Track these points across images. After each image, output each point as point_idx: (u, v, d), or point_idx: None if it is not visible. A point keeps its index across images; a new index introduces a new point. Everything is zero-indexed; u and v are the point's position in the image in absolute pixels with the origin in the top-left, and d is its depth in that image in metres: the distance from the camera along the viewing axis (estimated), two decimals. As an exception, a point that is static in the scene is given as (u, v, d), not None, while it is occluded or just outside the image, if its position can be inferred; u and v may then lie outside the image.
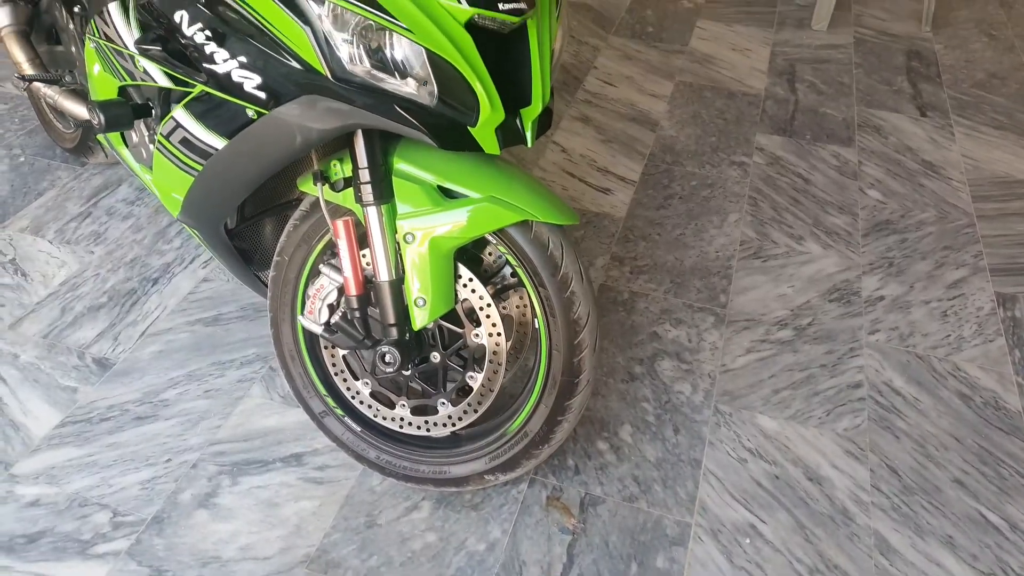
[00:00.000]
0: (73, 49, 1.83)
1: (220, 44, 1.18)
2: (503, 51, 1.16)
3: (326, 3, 1.08)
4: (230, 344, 1.81)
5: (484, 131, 1.15)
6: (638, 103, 2.77)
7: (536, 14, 1.18)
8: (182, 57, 1.28)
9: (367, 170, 1.25)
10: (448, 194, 1.28)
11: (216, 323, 1.86)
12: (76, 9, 1.80)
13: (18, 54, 1.91)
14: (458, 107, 1.13)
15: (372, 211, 1.27)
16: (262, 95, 1.18)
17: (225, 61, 1.19)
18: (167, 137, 1.37)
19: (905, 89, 2.95)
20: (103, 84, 1.55)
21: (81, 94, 1.91)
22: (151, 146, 1.53)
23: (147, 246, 2.08)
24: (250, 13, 1.12)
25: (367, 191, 1.26)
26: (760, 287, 2.06)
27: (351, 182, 1.32)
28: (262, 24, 1.12)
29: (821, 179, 2.46)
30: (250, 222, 1.55)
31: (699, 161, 2.50)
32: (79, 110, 1.88)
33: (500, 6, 1.10)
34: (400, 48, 1.10)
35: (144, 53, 1.32)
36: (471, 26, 1.11)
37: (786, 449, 1.66)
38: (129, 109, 1.41)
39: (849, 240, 2.22)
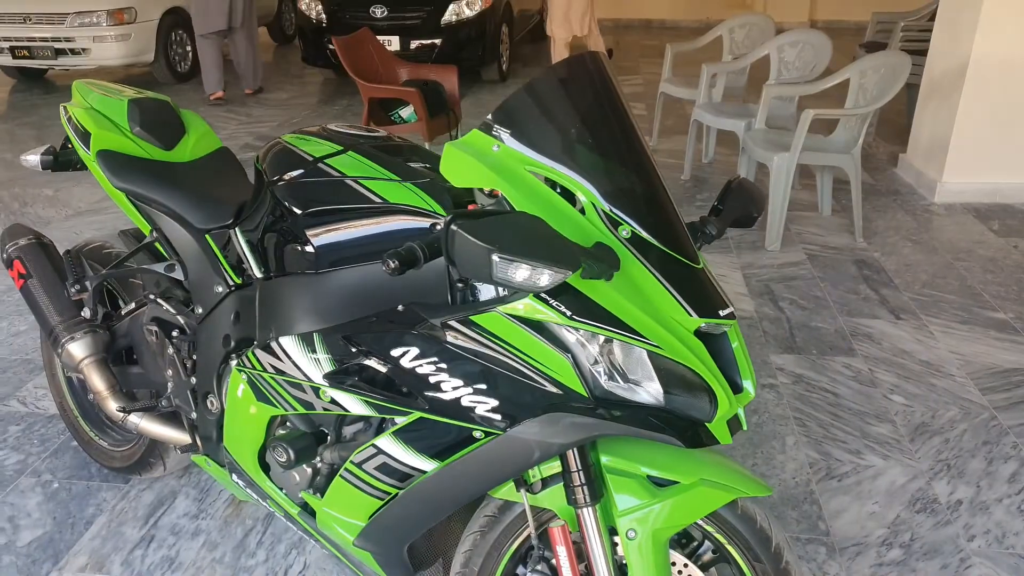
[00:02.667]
0: (169, 371, 1.78)
1: (451, 374, 1.21)
2: (712, 349, 1.26)
3: (579, 330, 1.16)
4: (366, 668, 1.65)
5: (719, 424, 1.21)
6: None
7: (733, 313, 1.30)
8: (385, 385, 1.30)
9: (580, 472, 1.26)
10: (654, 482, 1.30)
11: (341, 645, 1.71)
12: (175, 334, 1.78)
13: (99, 384, 1.84)
14: (696, 407, 1.20)
15: (588, 512, 1.27)
16: (497, 417, 1.20)
17: (455, 389, 1.21)
18: (360, 464, 1.34)
19: (871, 296, 3.31)
20: (246, 413, 1.52)
21: (175, 417, 1.84)
22: (307, 471, 1.48)
23: (230, 564, 1.92)
24: (499, 345, 1.17)
25: (582, 493, 1.26)
26: (849, 508, 2.13)
27: (548, 483, 1.33)
28: (513, 354, 1.17)
29: (846, 391, 2.65)
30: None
31: (736, 389, 2.64)
32: (173, 434, 1.81)
33: (720, 313, 1.21)
34: (644, 361, 1.18)
35: (339, 384, 1.33)
36: (696, 332, 1.20)
37: None
38: (313, 440, 1.38)
39: (900, 447, 2.37)
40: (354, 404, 1.33)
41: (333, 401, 1.36)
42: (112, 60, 7.20)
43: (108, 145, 1.83)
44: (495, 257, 0.94)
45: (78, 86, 2.03)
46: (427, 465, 1.30)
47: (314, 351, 1.37)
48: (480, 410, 1.21)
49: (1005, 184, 4.33)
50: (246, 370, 1.48)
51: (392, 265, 1.06)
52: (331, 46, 7.23)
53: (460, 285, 1.25)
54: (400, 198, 1.35)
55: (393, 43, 7.15)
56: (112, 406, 1.82)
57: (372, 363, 1.30)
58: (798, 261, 3.65)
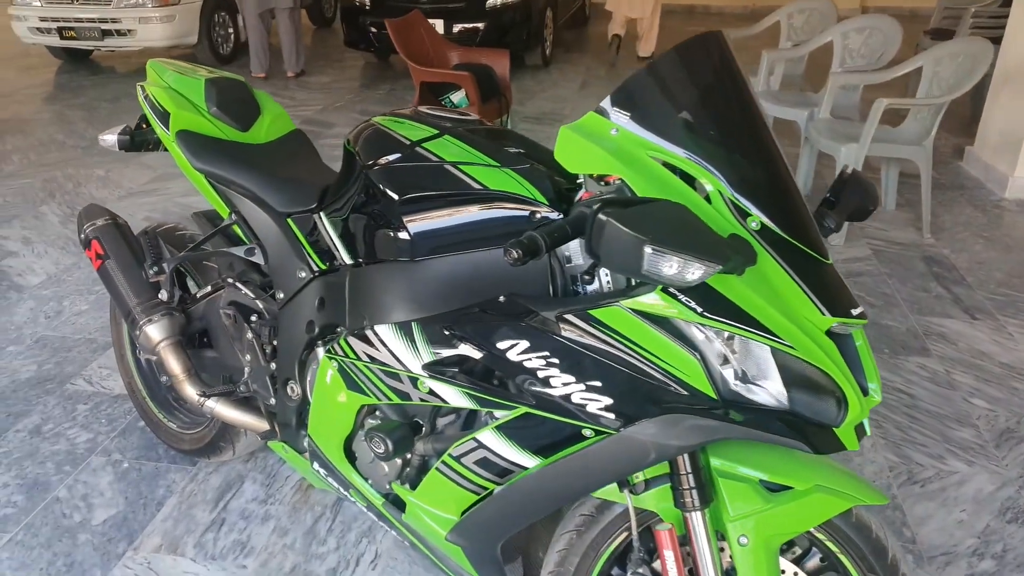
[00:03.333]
0: (247, 356, 1.75)
1: (563, 370, 1.16)
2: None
3: (706, 327, 1.10)
4: (445, 664, 1.62)
5: (846, 429, 1.15)
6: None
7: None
8: (486, 378, 1.25)
9: (691, 475, 1.21)
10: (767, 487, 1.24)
11: (419, 639, 1.68)
12: (253, 319, 1.75)
13: (176, 367, 1.81)
14: (822, 410, 1.13)
15: (697, 516, 1.22)
16: (611, 416, 1.15)
17: (566, 385, 1.16)
18: (458, 458, 1.30)
19: (943, 295, 3.19)
20: (335, 401, 1.48)
21: (251, 403, 1.82)
22: (397, 462, 1.44)
23: (301, 551, 1.90)
24: (619, 341, 1.12)
25: (691, 497, 1.21)
26: (935, 516, 2.05)
27: (651, 484, 1.27)
28: (635, 352, 1.11)
29: (923, 393, 2.56)
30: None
31: (809, 387, 2.56)
32: (251, 420, 1.79)
33: (852, 312, 1.14)
34: (766, 360, 1.11)
35: (439, 376, 1.28)
36: (827, 332, 1.13)
37: None
38: (409, 432, 1.34)
39: (985, 453, 2.28)
40: (454, 396, 1.28)
41: (431, 392, 1.31)
42: (157, 41, 7.22)
43: (187, 125, 1.80)
44: (648, 249, 0.88)
45: (153, 65, 1.99)
46: (530, 462, 1.25)
47: (413, 340, 1.32)
48: (592, 408, 1.16)
49: (1079, 180, 4.16)
50: (337, 357, 1.44)
51: (516, 255, 1.00)
52: (374, 29, 7.19)
53: (587, 276, 1.20)
54: (499, 184, 1.30)
55: (437, 26, 7.07)
56: (189, 390, 1.80)
57: (474, 354, 1.25)
58: (863, 257, 3.54)
